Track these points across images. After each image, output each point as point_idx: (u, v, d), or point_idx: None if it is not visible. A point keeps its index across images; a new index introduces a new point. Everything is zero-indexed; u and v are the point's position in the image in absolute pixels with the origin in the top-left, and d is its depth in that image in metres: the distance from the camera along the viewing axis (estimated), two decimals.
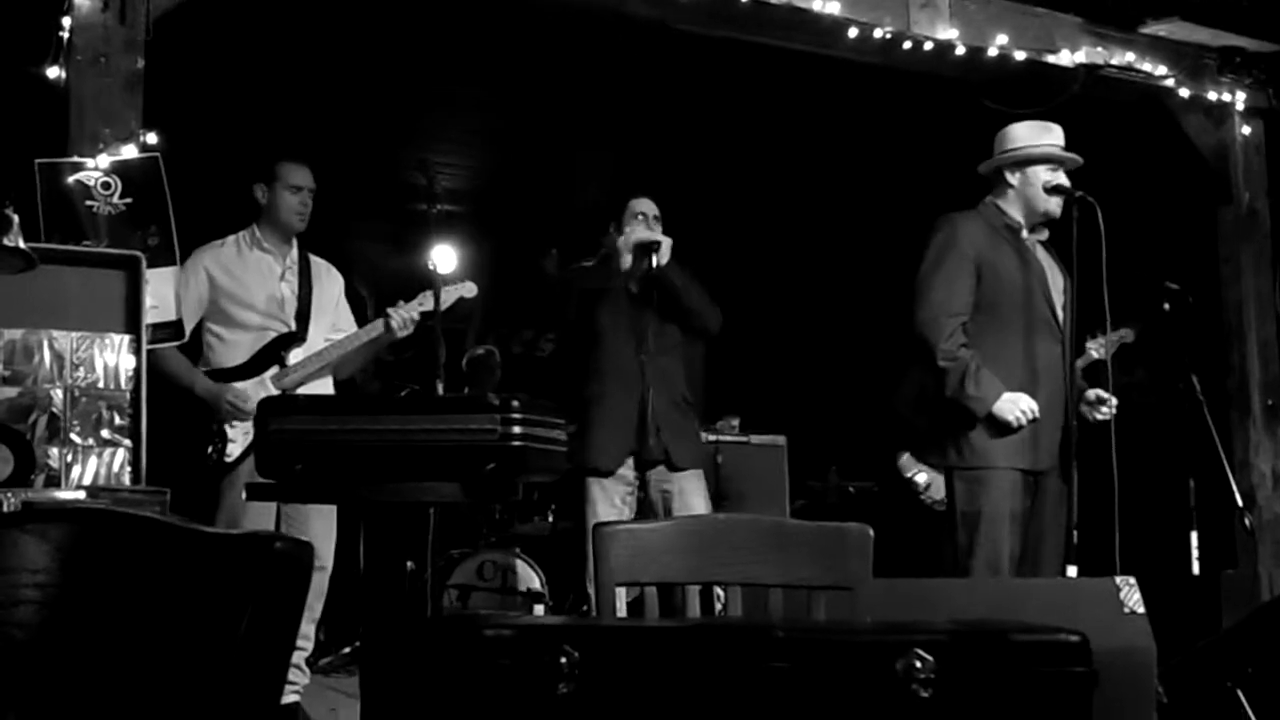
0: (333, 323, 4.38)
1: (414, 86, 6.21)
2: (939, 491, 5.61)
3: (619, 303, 4.50)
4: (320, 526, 4.18)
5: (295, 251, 4.34)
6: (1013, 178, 4.00)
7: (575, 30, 5.20)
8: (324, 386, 4.29)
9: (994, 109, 4.35)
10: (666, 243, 4.37)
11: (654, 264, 4.33)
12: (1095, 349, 4.78)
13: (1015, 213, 4.00)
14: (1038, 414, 3.82)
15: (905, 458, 5.75)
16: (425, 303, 4.25)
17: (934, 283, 3.90)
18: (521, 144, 7.04)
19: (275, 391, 4.09)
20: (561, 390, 4.47)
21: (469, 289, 4.34)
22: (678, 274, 4.41)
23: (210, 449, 4.00)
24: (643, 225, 4.47)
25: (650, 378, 4.38)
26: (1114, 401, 3.96)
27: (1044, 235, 4.04)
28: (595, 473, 4.36)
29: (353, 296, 4.66)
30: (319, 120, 6.15)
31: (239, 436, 4.04)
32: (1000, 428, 3.84)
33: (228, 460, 4.01)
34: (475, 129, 6.96)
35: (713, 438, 5.60)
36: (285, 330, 4.21)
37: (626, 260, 4.35)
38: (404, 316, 4.20)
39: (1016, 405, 3.81)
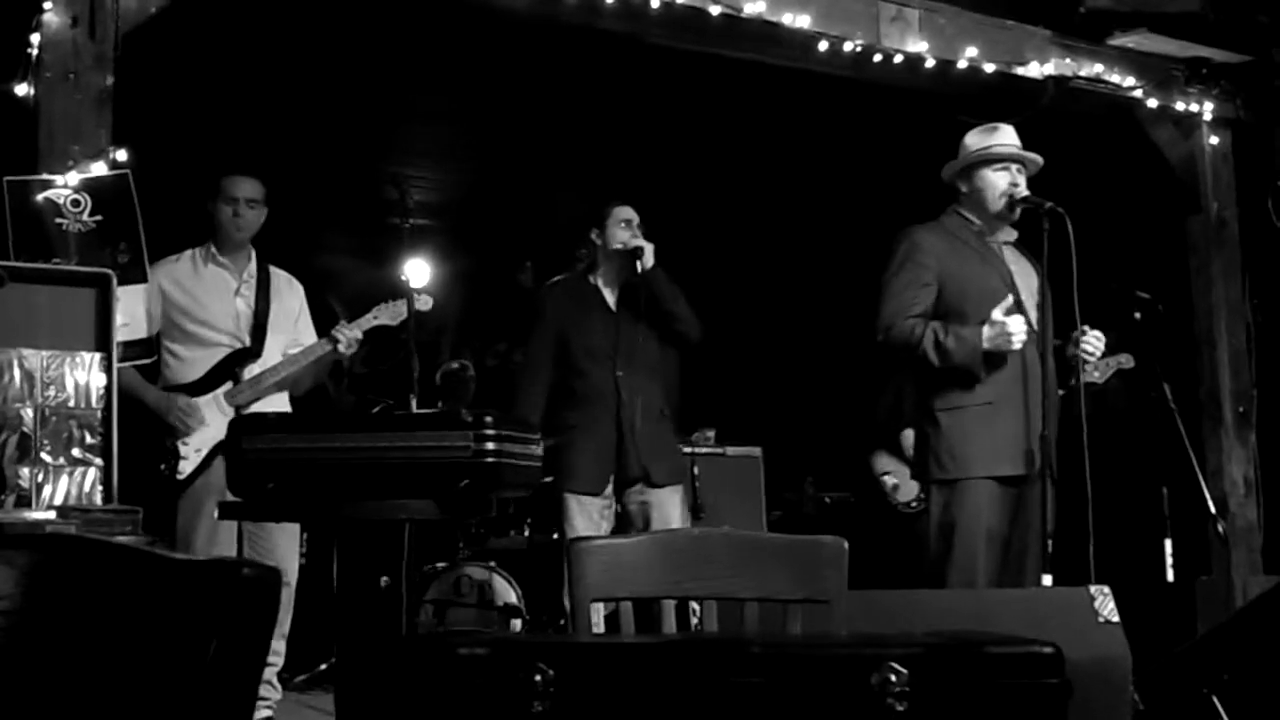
0: (293, 336, 4.34)
1: (387, 100, 6.20)
2: (906, 494, 5.64)
3: (595, 322, 4.50)
4: (284, 542, 4.16)
5: (253, 265, 4.30)
6: (964, 185, 4.03)
7: (549, 45, 5.20)
8: (280, 402, 4.26)
9: (965, 121, 4.37)
10: (649, 247, 4.39)
11: (638, 269, 4.36)
12: (1092, 372, 4.82)
13: (975, 218, 4.03)
14: (1024, 333, 3.78)
15: (877, 458, 5.78)
16: (379, 317, 4.24)
17: (887, 293, 3.94)
18: (495, 158, 7.03)
19: (229, 408, 4.07)
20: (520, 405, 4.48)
21: (424, 301, 4.32)
22: (663, 278, 4.43)
23: (163, 466, 3.97)
24: (628, 231, 4.48)
25: (627, 396, 4.39)
26: (1097, 344, 3.92)
27: (1012, 237, 4.05)
28: (574, 492, 4.37)
29: (325, 310, 4.63)
30: (291, 134, 6.13)
31: (191, 454, 4.01)
32: (983, 422, 3.83)
33: (179, 478, 3.99)
34: (448, 143, 6.95)
35: (689, 449, 5.60)
36: (240, 346, 4.19)
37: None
38: (350, 335, 4.18)
39: (1004, 329, 3.75)
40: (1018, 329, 3.76)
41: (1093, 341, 3.92)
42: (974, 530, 3.80)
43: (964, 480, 3.84)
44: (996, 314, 3.77)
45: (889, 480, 5.72)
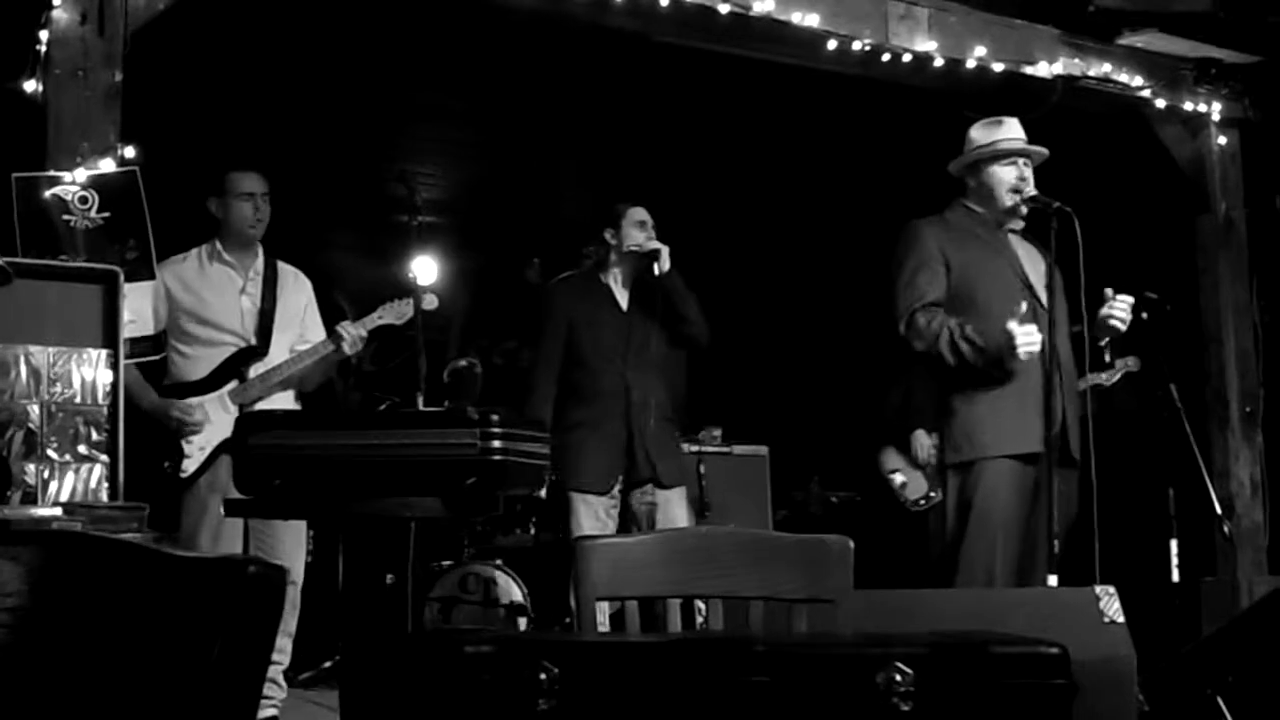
0: (300, 332, 4.33)
1: (394, 97, 6.21)
2: (915, 492, 5.64)
3: (606, 321, 4.51)
4: (289, 540, 4.15)
5: (260, 261, 4.29)
6: (971, 180, 4.04)
7: (557, 42, 5.21)
8: (285, 401, 4.26)
9: (973, 119, 4.37)
10: (665, 249, 4.40)
11: (655, 271, 4.37)
12: (1101, 376, 4.81)
13: (982, 210, 4.03)
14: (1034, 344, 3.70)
15: (885, 455, 5.78)
16: (384, 316, 4.24)
17: (898, 285, 3.93)
18: (503, 155, 7.04)
19: (234, 407, 4.07)
20: (528, 404, 4.48)
21: (429, 301, 4.32)
22: (679, 280, 4.44)
23: (166, 463, 3.98)
24: (643, 233, 4.48)
25: (636, 397, 4.40)
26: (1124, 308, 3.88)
27: (1018, 226, 4.05)
28: (581, 490, 4.37)
29: (332, 308, 4.63)
30: (299, 131, 6.13)
31: (194, 451, 4.01)
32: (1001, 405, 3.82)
33: (183, 475, 3.99)
34: (456, 140, 6.96)
35: (695, 448, 5.61)
36: (246, 345, 4.19)
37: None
38: (354, 335, 4.17)
39: (1023, 336, 3.66)
40: (1030, 340, 3.67)
41: (1120, 306, 3.86)
42: (990, 510, 3.76)
43: (980, 461, 3.80)
44: (1011, 324, 3.69)
45: (897, 478, 5.71)
